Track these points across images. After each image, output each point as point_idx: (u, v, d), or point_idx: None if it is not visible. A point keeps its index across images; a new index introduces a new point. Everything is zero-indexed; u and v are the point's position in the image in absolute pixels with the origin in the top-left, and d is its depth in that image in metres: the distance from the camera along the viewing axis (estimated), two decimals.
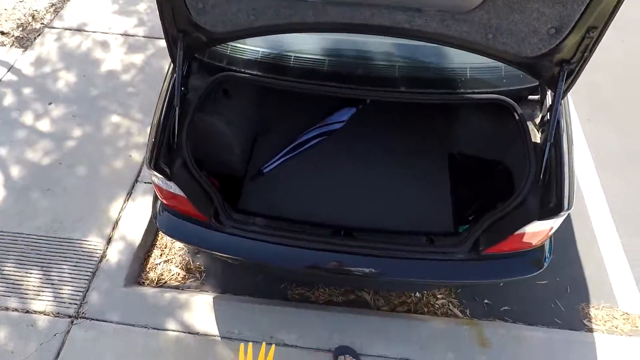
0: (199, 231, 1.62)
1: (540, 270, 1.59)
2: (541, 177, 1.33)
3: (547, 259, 1.61)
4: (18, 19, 3.51)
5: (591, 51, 1.17)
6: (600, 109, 3.10)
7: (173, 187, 1.48)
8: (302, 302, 2.14)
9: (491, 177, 1.70)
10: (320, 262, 1.54)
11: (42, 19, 3.53)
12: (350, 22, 1.19)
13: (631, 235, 2.44)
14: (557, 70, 1.23)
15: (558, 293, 2.23)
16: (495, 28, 1.12)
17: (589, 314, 2.16)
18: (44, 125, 2.79)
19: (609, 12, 1.08)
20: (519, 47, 1.20)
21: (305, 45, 1.56)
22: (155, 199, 1.70)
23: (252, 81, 1.53)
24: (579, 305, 2.20)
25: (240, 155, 1.95)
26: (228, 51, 1.57)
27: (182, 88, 1.51)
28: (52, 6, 3.61)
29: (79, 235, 2.31)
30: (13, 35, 3.39)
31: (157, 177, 1.47)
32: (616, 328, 2.11)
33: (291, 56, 1.55)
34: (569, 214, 2.51)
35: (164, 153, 1.44)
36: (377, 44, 1.53)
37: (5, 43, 3.34)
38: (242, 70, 1.53)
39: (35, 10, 3.57)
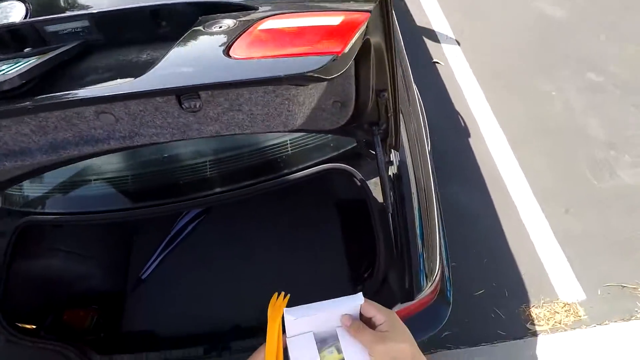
0: None
1: (442, 324, 1.45)
2: (395, 249, 1.18)
3: (445, 309, 1.47)
4: None
5: (394, 109, 1.04)
6: (503, 78, 2.98)
7: None
8: None
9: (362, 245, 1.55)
10: None
11: None
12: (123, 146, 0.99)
13: (556, 214, 2.34)
14: (370, 133, 1.10)
15: (496, 300, 2.12)
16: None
17: (531, 316, 2.06)
18: None
19: (390, 75, 0.94)
20: (313, 124, 1.03)
21: (108, 165, 1.36)
22: None
23: (58, 222, 1.32)
24: (520, 307, 2.09)
25: (109, 270, 1.74)
26: (22, 192, 1.36)
27: None
28: None
29: None
30: None
31: None
32: (560, 324, 2.02)
33: (96, 180, 1.34)
34: (492, 204, 2.46)
35: None
36: (186, 144, 1.33)
37: None
38: (46, 211, 1.31)
39: None
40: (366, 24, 0.59)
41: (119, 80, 0.54)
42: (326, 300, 0.67)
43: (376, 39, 0.83)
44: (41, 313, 1.45)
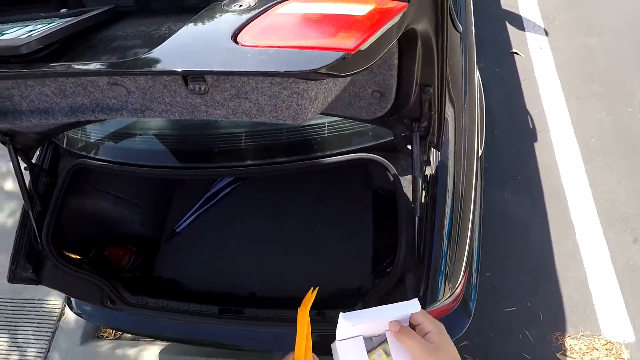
0: (97, 311, 1.63)
1: (458, 335, 1.38)
2: (417, 253, 1.11)
3: (464, 321, 1.39)
4: None
5: (438, 107, 0.95)
6: (593, 81, 2.61)
7: None
8: None
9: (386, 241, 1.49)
10: (210, 337, 1.52)
11: None
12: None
13: (621, 244, 2.07)
14: (410, 128, 1.03)
15: (528, 321, 1.97)
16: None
17: (564, 345, 1.89)
18: None
19: (438, 70, 0.85)
20: (349, 111, 0.98)
21: (154, 124, 1.41)
22: None
23: (107, 169, 1.42)
24: (553, 334, 1.93)
25: (150, 218, 1.87)
26: (80, 136, 1.47)
27: (46, 177, 1.44)
28: None
29: (40, 295, 2.40)
30: None
31: None
32: None
33: (148, 136, 1.41)
34: (546, 218, 2.24)
35: (26, 259, 1.39)
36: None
37: None
38: (99, 157, 1.42)
39: None
40: (400, 16, 0.52)
41: (131, 52, 0.54)
42: (381, 306, 0.67)
43: (424, 29, 0.74)
44: (86, 246, 1.61)
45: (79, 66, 0.53)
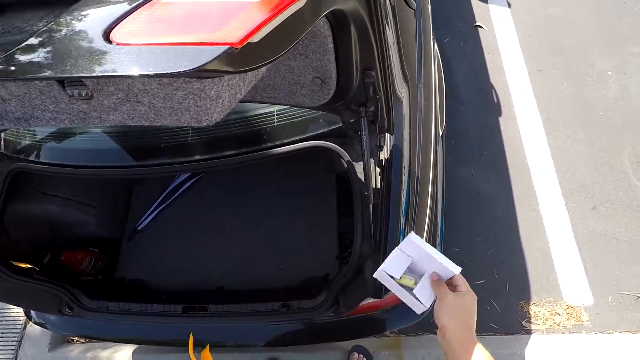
0: (60, 320, 1.57)
1: (421, 318, 1.40)
2: (373, 240, 1.11)
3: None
4: None
5: (385, 90, 0.93)
6: (554, 53, 2.63)
7: None
8: None
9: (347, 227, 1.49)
10: (175, 336, 1.49)
11: None
12: None
13: (581, 213, 2.14)
14: (357, 114, 1.00)
15: (495, 292, 2.03)
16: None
17: (529, 313, 1.97)
18: None
19: (379, 51, 0.82)
20: (293, 99, 0.94)
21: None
22: None
23: (49, 172, 1.34)
24: (518, 303, 2.00)
25: (107, 218, 1.80)
26: (17, 138, 1.37)
27: None
28: None
29: (1, 303, 2.31)
30: None
31: None
32: (558, 325, 1.92)
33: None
34: (511, 192, 2.28)
35: None
36: None
37: None
38: (40, 159, 1.33)
39: None
40: (301, 4, 0.47)
41: None
42: (439, 252, 0.80)
43: (353, 10, 0.70)
44: (38, 253, 1.53)
45: None
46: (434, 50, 1.58)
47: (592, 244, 2.06)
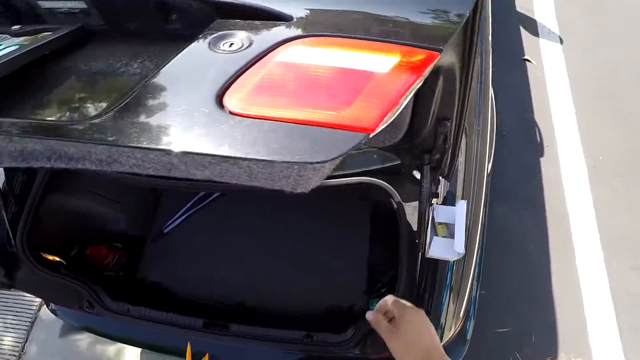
0: (77, 315, 1.55)
1: None
2: (416, 288, 1.04)
3: (460, 349, 1.33)
4: None
5: (454, 140, 0.87)
6: (606, 97, 2.50)
7: None
8: None
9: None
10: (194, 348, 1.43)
11: None
12: None
13: (621, 272, 2.02)
14: (420, 159, 0.94)
15: (521, 343, 1.93)
16: None
17: None
18: None
19: (459, 103, 0.76)
20: None
21: None
22: None
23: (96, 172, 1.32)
24: (544, 358, 1.89)
25: (135, 216, 1.78)
26: None
27: (22, 175, 1.34)
28: None
29: None
30: None
31: None
32: None
33: None
34: (547, 238, 2.18)
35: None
36: None
37: None
38: None
39: None
40: (430, 68, 0.41)
41: (86, 108, 0.43)
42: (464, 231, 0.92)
43: (449, 66, 0.64)
44: (68, 245, 1.52)
45: (17, 123, 0.43)
46: (491, 92, 1.51)
47: (630, 307, 1.94)
